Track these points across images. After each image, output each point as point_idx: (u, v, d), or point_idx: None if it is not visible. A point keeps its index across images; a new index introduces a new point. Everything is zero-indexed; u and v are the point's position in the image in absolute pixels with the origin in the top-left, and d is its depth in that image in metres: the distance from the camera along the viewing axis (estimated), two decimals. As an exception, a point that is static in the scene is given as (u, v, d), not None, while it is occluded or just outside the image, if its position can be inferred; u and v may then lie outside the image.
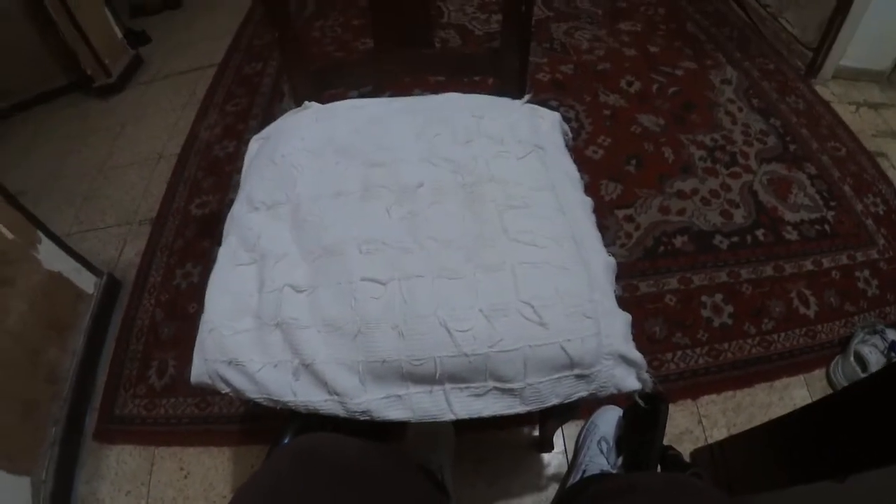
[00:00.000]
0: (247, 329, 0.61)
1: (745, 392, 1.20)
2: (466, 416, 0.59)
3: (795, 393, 1.21)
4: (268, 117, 1.81)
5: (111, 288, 1.43)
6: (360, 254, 0.62)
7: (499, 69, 0.85)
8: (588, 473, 1.01)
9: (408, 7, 0.80)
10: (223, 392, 0.62)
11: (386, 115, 0.81)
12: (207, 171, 1.68)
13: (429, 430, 1.05)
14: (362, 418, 0.57)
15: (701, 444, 1.14)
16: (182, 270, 1.44)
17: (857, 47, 1.75)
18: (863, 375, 1.15)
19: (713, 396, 1.19)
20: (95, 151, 1.87)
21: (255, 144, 0.86)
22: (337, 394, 0.57)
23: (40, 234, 1.25)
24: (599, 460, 1.03)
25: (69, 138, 1.96)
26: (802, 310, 1.29)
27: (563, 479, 1.09)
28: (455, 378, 0.57)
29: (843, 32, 1.72)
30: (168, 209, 1.60)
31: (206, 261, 1.43)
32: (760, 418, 1.17)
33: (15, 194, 1.22)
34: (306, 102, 0.86)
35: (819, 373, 1.24)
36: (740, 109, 1.72)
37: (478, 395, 0.59)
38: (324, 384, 0.57)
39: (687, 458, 1.12)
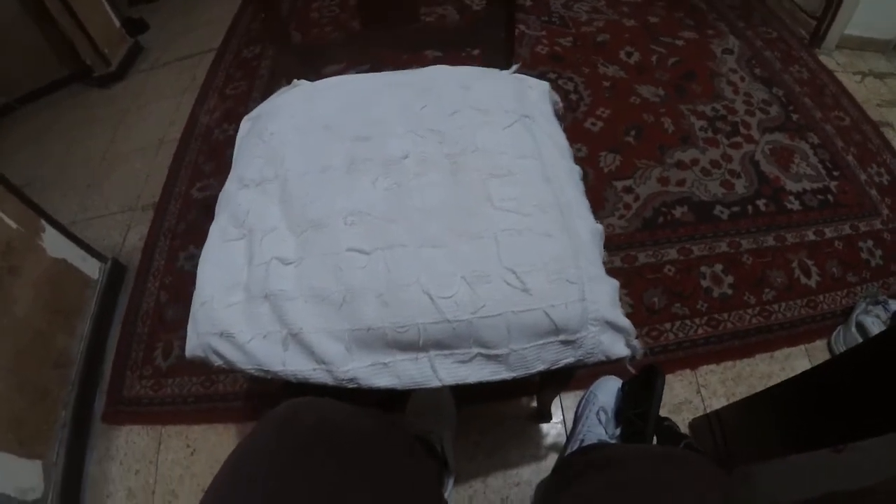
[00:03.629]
0: (237, 302, 0.62)
1: (745, 362, 1.20)
2: (452, 383, 0.60)
3: (797, 363, 1.20)
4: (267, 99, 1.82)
5: (116, 273, 1.46)
6: (346, 225, 0.63)
7: (484, 41, 0.85)
8: (586, 443, 1.02)
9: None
10: (216, 364, 0.64)
11: (373, 90, 0.81)
12: (208, 155, 1.69)
13: (429, 404, 1.07)
14: (350, 386, 0.59)
15: (700, 413, 1.14)
16: (185, 253, 1.46)
17: (862, 16, 1.72)
18: None
19: (712, 366, 1.19)
20: (98, 140, 1.89)
21: (246, 124, 0.87)
22: (324, 362, 0.58)
23: (44, 222, 1.27)
24: (598, 430, 1.04)
25: (72, 128, 1.98)
26: (804, 280, 1.29)
27: (562, 450, 1.11)
28: (440, 345, 0.58)
29: (848, 1, 1.68)
30: (170, 194, 1.62)
31: (209, 243, 1.46)
32: (760, 388, 1.16)
33: (21, 185, 1.25)
34: (295, 81, 0.87)
35: (821, 343, 1.23)
36: (742, 79, 1.70)
37: (463, 362, 0.60)
38: (311, 353, 0.59)
39: (685, 428, 1.13)
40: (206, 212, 1.52)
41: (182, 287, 1.39)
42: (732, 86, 1.68)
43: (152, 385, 1.25)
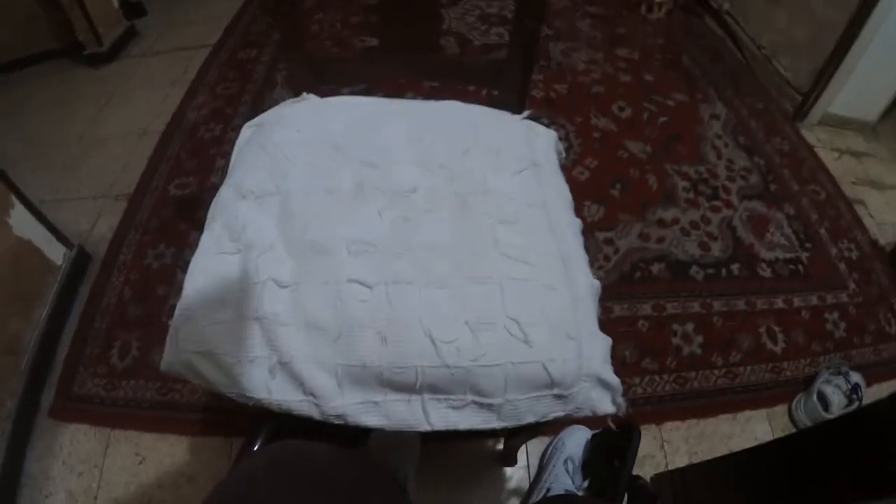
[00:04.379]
0: (225, 321, 0.59)
1: (708, 421, 1.21)
2: (443, 428, 0.58)
3: (757, 427, 1.22)
4: (257, 105, 1.78)
5: (81, 261, 1.38)
6: (349, 254, 0.61)
7: (500, 82, 0.84)
8: (552, 493, 1.00)
9: (417, 9, 0.79)
10: (194, 383, 0.60)
11: (383, 116, 0.80)
12: (191, 152, 1.64)
13: (394, 439, 1.03)
14: (336, 422, 0.56)
15: (662, 469, 1.14)
16: (154, 251, 1.40)
17: (845, 96, 1.79)
18: (824, 414, 1.17)
19: (677, 423, 1.20)
20: (79, 120, 1.81)
21: (247, 131, 0.84)
22: (313, 395, 0.56)
23: (14, 198, 1.21)
24: (564, 480, 1.02)
25: (54, 105, 1.89)
26: (770, 345, 1.32)
27: (524, 495, 1.08)
28: (435, 389, 0.56)
29: (834, 81, 1.75)
30: (146, 186, 1.55)
31: (181, 244, 1.40)
32: (721, 448, 1.18)
33: (-7, 157, 1.18)
34: (304, 94, 0.85)
35: (781, 409, 1.25)
36: (726, 145, 1.75)
37: (456, 408, 0.58)
38: (300, 384, 0.56)
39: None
40: (183, 211, 1.48)
41: (148, 286, 1.33)
42: (716, 150, 1.73)
43: (105, 385, 1.18)
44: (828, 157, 1.80)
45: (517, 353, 0.57)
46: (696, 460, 1.16)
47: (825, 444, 0.76)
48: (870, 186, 1.74)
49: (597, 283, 0.71)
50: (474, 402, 0.58)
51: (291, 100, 0.85)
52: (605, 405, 0.64)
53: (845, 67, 1.72)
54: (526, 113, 0.85)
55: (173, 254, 1.38)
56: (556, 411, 0.61)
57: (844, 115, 1.86)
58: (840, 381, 1.22)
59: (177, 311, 0.61)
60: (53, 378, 1.21)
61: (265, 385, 0.56)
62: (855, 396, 1.20)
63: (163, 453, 1.11)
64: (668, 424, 1.20)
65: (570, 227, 0.74)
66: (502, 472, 1.11)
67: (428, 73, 0.89)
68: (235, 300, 0.60)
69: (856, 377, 1.23)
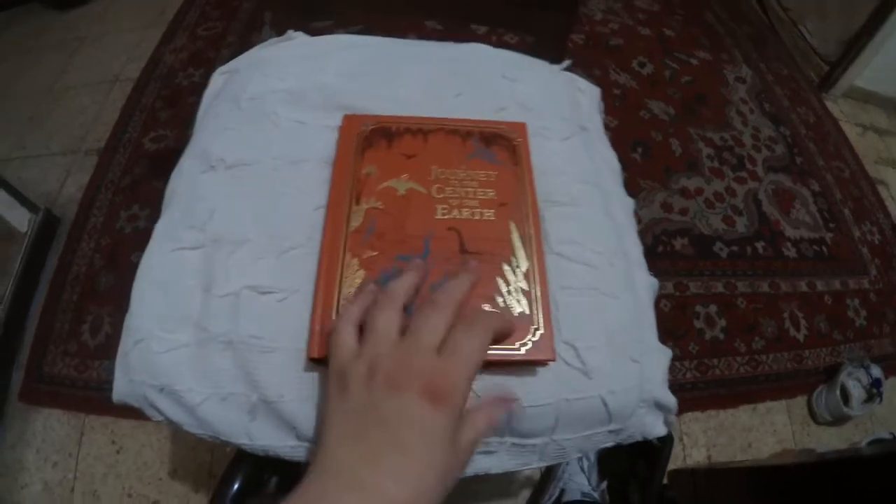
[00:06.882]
0: (185, 344, 0.41)
1: (728, 412, 1.11)
2: (471, 474, 0.43)
3: (777, 418, 1.13)
4: (243, 47, 1.52)
5: (48, 226, 1.19)
6: (351, 250, 0.43)
7: (537, 24, 0.65)
8: (567, 493, 0.89)
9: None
10: (155, 420, 0.43)
11: (393, 60, 0.60)
12: (167, 100, 1.42)
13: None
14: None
15: (679, 462, 1.06)
16: (127, 212, 1.20)
17: (873, 70, 1.62)
18: (844, 409, 1.09)
19: (697, 414, 1.10)
20: (48, 69, 1.57)
21: (219, 79, 0.63)
22: (309, 440, 0.39)
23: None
24: (579, 479, 0.91)
25: (22, 52, 1.64)
26: (793, 332, 1.20)
27: (534, 490, 0.98)
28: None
29: (865, 53, 1.58)
30: (118, 140, 1.34)
31: (155, 204, 1.21)
32: (740, 442, 1.09)
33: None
34: (290, 32, 0.65)
35: (801, 399, 1.16)
36: (752, 111, 1.56)
37: (488, 453, 0.43)
38: (291, 427, 0.39)
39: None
40: (158, 167, 1.28)
41: (120, 252, 1.15)
42: (742, 116, 1.54)
43: (76, 365, 1.03)
44: (851, 132, 1.64)
45: (573, 388, 0.41)
46: (714, 454, 1.07)
47: (866, 481, 0.67)
48: (892, 167, 1.61)
49: (655, 281, 0.55)
50: (514, 445, 0.43)
51: (273, 39, 0.65)
52: (658, 428, 0.51)
53: (877, 40, 1.54)
54: (566, 63, 0.66)
55: (148, 216, 1.20)
56: (606, 442, 0.47)
57: (869, 89, 1.69)
58: (861, 374, 1.13)
59: (125, 331, 0.44)
60: (23, 357, 1.05)
61: (244, 429, 0.40)
62: (875, 391, 1.11)
63: (141, 442, 0.98)
64: (688, 415, 1.10)
65: (623, 210, 0.57)
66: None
67: (451, 10, 0.69)
68: (197, 316, 0.42)
69: (876, 371, 1.14)
